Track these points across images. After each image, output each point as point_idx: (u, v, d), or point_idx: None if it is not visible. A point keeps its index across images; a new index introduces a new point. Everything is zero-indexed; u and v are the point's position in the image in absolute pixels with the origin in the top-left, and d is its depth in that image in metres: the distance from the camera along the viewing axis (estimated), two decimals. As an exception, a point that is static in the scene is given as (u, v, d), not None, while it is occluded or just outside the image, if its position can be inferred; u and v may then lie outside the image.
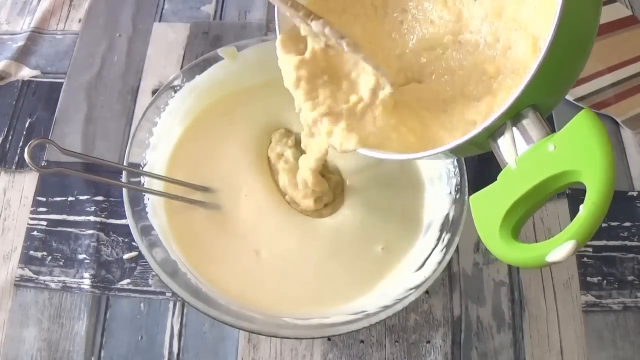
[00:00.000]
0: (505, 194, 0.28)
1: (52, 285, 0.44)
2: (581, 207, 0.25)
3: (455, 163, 0.42)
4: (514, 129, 0.28)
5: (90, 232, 0.46)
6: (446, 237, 0.39)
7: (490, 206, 0.29)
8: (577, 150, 0.26)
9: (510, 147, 0.28)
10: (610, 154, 0.25)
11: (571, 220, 0.50)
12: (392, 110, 0.35)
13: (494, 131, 0.29)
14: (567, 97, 0.52)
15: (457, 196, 0.41)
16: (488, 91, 0.34)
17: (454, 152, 0.32)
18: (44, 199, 0.48)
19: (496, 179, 0.29)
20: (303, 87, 0.36)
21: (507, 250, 0.27)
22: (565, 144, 0.26)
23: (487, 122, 0.28)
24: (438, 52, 0.37)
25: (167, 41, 0.57)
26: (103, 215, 0.47)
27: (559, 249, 0.25)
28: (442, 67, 0.37)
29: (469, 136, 0.28)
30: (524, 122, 0.28)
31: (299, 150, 0.46)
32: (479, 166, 0.49)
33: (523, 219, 0.28)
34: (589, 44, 0.29)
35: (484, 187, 0.46)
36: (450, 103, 0.35)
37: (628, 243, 0.47)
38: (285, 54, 0.37)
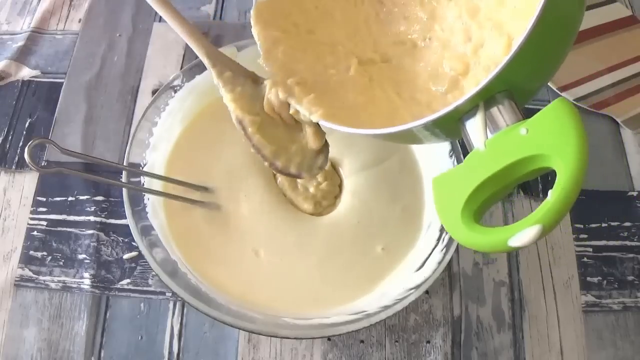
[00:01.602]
0: (470, 176, 0.27)
1: (52, 285, 0.44)
2: (550, 192, 0.24)
3: (455, 163, 0.42)
4: (487, 113, 0.28)
5: (90, 232, 0.46)
6: (446, 237, 0.39)
7: (453, 188, 0.28)
8: (550, 135, 0.25)
9: (481, 129, 0.28)
10: (584, 140, 0.25)
11: (570, 219, 0.50)
12: (365, 89, 0.36)
13: (465, 113, 0.28)
14: (567, 97, 0.52)
15: (457, 196, 0.40)
16: (456, 86, 0.34)
17: (422, 132, 0.31)
18: (44, 199, 0.48)
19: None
20: (279, 59, 0.36)
21: (468, 234, 0.26)
22: (539, 129, 0.26)
23: (461, 100, 0.27)
24: (407, 47, 0.38)
25: (167, 41, 0.57)
26: (103, 215, 0.47)
27: (523, 233, 0.24)
28: (410, 60, 0.37)
29: (440, 114, 0.28)
30: (498, 107, 0.27)
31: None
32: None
33: (487, 204, 0.27)
34: (572, 33, 0.28)
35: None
36: (419, 93, 0.36)
37: (628, 243, 0.47)
38: (260, 25, 0.37)
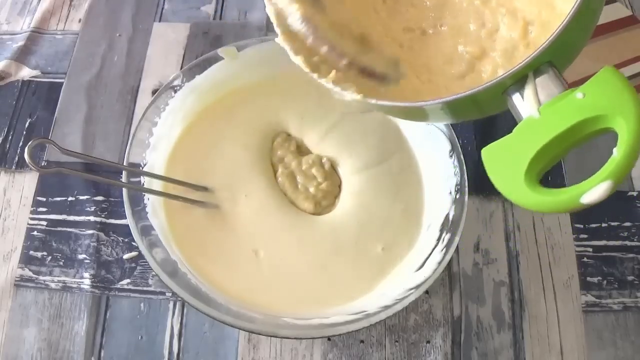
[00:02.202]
0: (528, 142, 0.28)
1: (52, 285, 0.44)
2: (614, 149, 0.26)
3: (456, 162, 0.42)
4: (535, 81, 0.29)
5: (90, 232, 0.46)
6: (446, 237, 0.39)
7: (510, 156, 0.29)
8: (607, 96, 0.27)
9: (532, 98, 0.29)
10: (638, 100, 0.26)
11: (570, 219, 0.50)
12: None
13: (512, 85, 0.29)
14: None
15: (457, 196, 0.41)
16: (472, 70, 0.35)
17: (458, 106, 0.32)
18: (44, 199, 0.48)
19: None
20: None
21: (535, 196, 0.27)
22: (595, 92, 0.27)
23: (513, 70, 0.28)
24: (416, 34, 0.38)
25: (167, 41, 0.57)
26: (103, 215, 0.47)
27: (595, 189, 0.25)
28: (422, 46, 0.38)
29: (491, 83, 0.29)
30: (544, 76, 0.29)
31: (300, 154, 0.46)
32: (479, 166, 0.49)
33: (545, 168, 0.29)
34: (602, 5, 0.31)
35: (484, 187, 0.46)
36: (435, 75, 0.36)
37: (628, 243, 0.47)
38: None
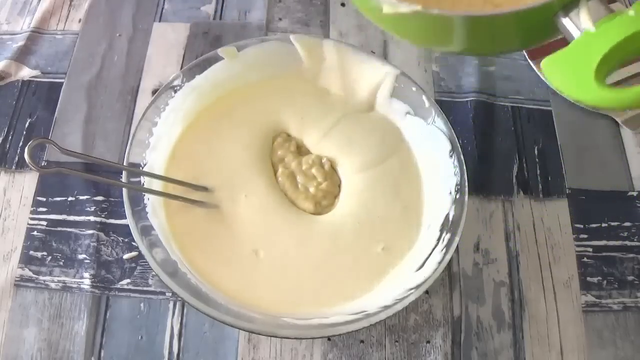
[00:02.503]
0: (590, 50, 0.30)
1: (52, 285, 0.44)
2: None
3: (456, 162, 0.42)
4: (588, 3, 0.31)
5: (90, 232, 0.46)
6: (446, 237, 0.39)
7: (573, 64, 0.31)
8: None
9: (587, 16, 0.31)
10: None
11: (570, 219, 0.50)
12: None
13: (564, 6, 0.31)
14: (567, 97, 0.53)
15: (457, 196, 0.41)
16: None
17: (504, 24, 0.33)
18: (44, 199, 0.48)
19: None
20: None
21: (609, 94, 0.29)
22: None
23: None
24: None
25: (167, 41, 0.57)
26: (103, 215, 0.47)
27: None
28: None
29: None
30: (592, 1, 0.31)
31: (300, 154, 0.46)
32: (479, 166, 0.49)
33: (609, 72, 0.31)
34: None
35: (484, 187, 0.46)
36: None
37: (628, 243, 0.47)
38: None
